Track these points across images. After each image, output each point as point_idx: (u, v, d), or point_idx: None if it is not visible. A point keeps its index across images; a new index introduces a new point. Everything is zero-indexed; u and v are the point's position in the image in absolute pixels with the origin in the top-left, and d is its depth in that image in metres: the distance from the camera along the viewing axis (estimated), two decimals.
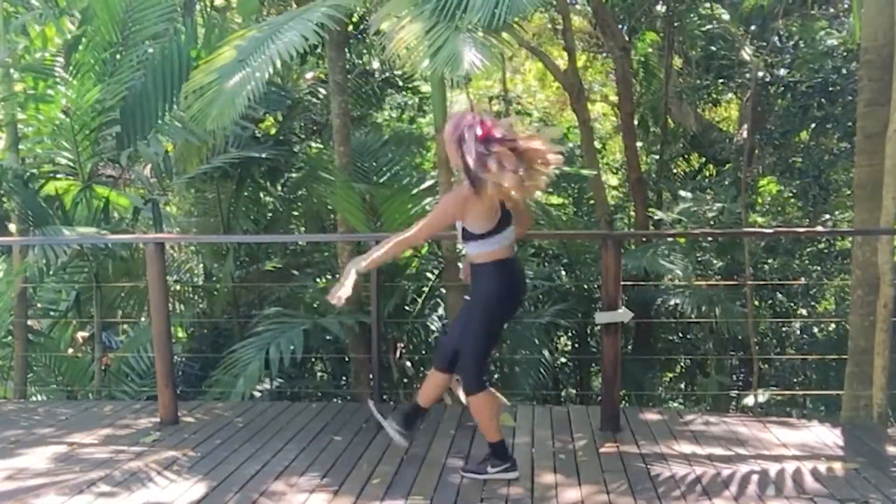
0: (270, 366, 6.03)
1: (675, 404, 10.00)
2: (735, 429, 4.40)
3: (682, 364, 10.83)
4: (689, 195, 9.51)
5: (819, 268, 9.80)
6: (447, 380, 3.78)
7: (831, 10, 9.81)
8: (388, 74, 9.24)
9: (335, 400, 7.87)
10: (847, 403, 5.26)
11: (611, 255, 4.36)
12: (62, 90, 6.30)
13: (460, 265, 5.55)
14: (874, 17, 5.08)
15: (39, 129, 6.61)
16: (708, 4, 10.53)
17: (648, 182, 11.08)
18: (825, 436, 4.27)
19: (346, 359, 7.59)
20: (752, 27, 9.45)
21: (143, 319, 7.60)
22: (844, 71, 8.57)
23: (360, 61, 9.43)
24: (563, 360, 10.24)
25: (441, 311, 7.84)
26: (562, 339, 10.38)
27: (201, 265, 8.95)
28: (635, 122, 11.26)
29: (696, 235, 9.27)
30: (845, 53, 8.83)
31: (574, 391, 10.30)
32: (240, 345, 6.36)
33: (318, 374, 8.85)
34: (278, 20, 5.63)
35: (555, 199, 11.55)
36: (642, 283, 8.71)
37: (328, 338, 7.19)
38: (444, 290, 7.52)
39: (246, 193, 7.95)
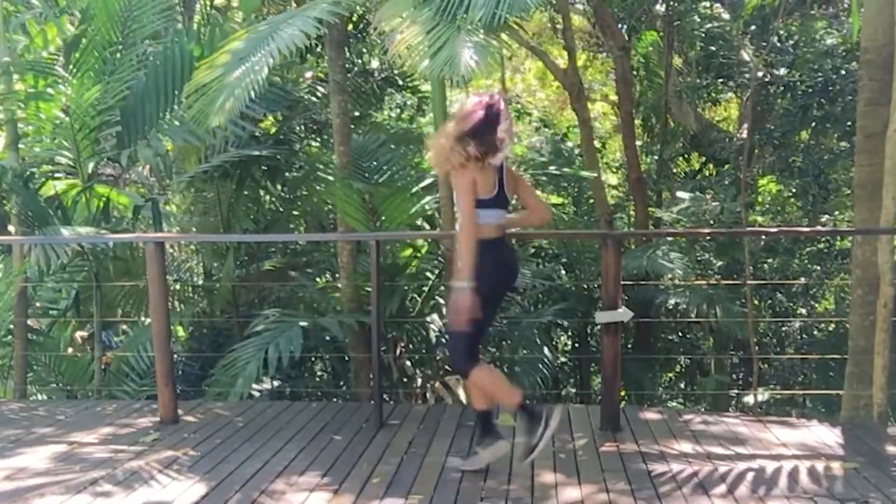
0: (269, 365, 6.03)
1: (675, 404, 10.01)
2: (735, 428, 4.40)
3: (681, 363, 10.84)
4: (687, 195, 9.52)
5: (819, 267, 9.80)
6: (484, 370, 3.71)
7: (831, 9, 9.80)
8: (387, 73, 9.24)
9: (335, 399, 7.87)
10: (847, 403, 5.26)
11: (611, 255, 4.36)
12: (62, 89, 6.30)
13: (460, 264, 5.55)
14: (874, 16, 5.08)
15: (39, 128, 6.61)
16: (707, 4, 10.53)
17: (648, 181, 11.08)
18: (825, 435, 4.27)
19: (346, 358, 7.59)
20: (752, 27, 9.44)
21: (142, 319, 7.60)
22: (844, 71, 8.58)
23: (360, 61, 9.42)
24: (563, 359, 10.25)
25: (442, 310, 7.84)
26: (562, 338, 10.39)
27: (201, 264, 8.95)
28: (635, 122, 11.26)
29: (696, 235, 9.28)
30: (845, 53, 8.83)
31: (574, 390, 10.31)
32: (239, 344, 6.36)
33: (319, 373, 8.85)
34: (279, 18, 5.64)
35: (555, 199, 11.56)
36: (642, 282, 8.71)
37: (328, 337, 7.19)
38: (444, 290, 7.53)
39: (246, 193, 7.95)
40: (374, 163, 7.48)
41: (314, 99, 8.57)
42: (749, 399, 8.88)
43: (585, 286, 9.42)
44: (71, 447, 4.24)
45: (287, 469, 3.84)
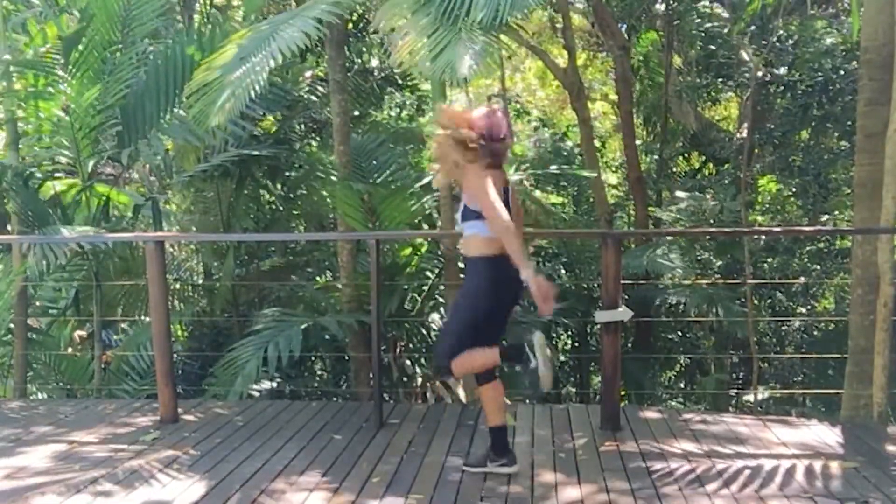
0: (269, 365, 6.03)
1: (675, 403, 10.01)
2: (735, 427, 4.40)
3: (681, 363, 10.85)
4: (685, 195, 9.53)
5: (819, 267, 9.81)
6: (493, 385, 3.69)
7: (831, 9, 9.80)
8: (387, 72, 9.25)
9: (335, 399, 7.88)
10: (847, 402, 5.26)
11: (611, 254, 4.36)
12: (62, 88, 6.30)
13: (461, 265, 5.52)
14: (874, 16, 5.08)
15: (39, 126, 6.61)
16: (707, 3, 10.53)
17: (648, 181, 11.09)
18: (825, 435, 4.26)
19: (346, 358, 7.59)
20: (752, 27, 9.44)
21: (142, 318, 7.61)
22: (844, 71, 8.58)
23: (360, 60, 9.43)
24: (563, 358, 10.25)
25: (441, 310, 7.85)
26: (562, 337, 10.40)
27: (201, 264, 8.95)
28: (635, 121, 11.27)
29: (695, 234, 9.28)
30: (845, 53, 8.83)
31: (574, 390, 10.32)
32: (239, 343, 6.36)
33: (319, 372, 8.86)
34: (279, 18, 5.64)
35: (555, 198, 11.57)
36: (642, 282, 8.71)
37: (328, 337, 7.20)
38: (443, 290, 7.53)
39: (246, 192, 7.96)
40: (374, 162, 7.49)
41: (314, 98, 8.57)
42: (749, 398, 8.89)
43: (585, 285, 9.42)
44: (71, 446, 4.24)
45: (287, 468, 3.84)
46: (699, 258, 9.68)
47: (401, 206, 6.94)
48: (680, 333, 10.64)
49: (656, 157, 11.76)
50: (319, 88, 8.49)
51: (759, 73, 9.22)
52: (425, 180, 7.68)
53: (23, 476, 3.79)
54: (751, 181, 10.14)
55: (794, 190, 10.11)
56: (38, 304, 7.61)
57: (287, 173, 8.21)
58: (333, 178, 7.18)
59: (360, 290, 6.88)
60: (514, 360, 3.55)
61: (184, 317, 7.92)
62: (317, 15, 5.14)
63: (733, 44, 9.63)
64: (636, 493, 3.47)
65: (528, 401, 7.15)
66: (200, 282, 8.71)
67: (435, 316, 7.74)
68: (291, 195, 8.52)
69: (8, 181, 6.36)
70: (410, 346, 7.91)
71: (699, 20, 10.26)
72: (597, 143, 12.01)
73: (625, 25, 10.85)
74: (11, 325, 6.78)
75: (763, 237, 9.63)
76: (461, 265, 7.16)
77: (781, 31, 9.41)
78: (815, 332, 10.14)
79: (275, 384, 7.30)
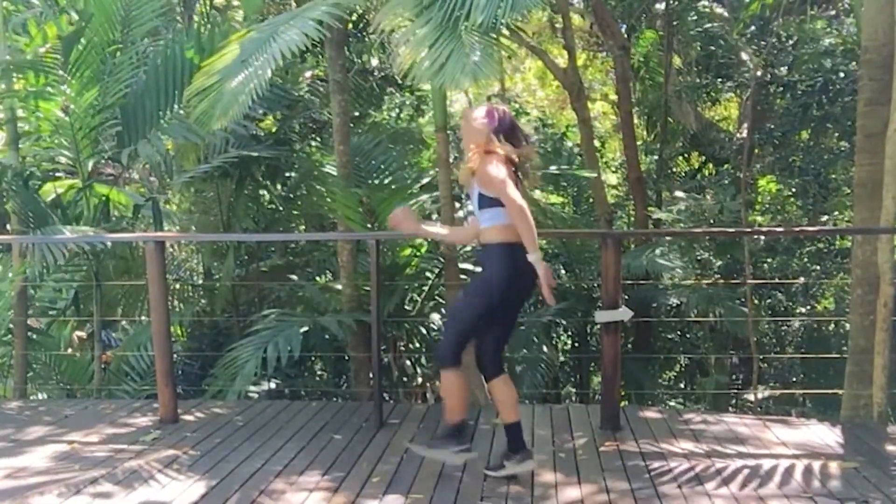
0: (269, 365, 6.03)
1: (675, 403, 10.01)
2: (735, 427, 4.40)
3: (681, 363, 10.84)
4: (684, 195, 9.52)
5: (819, 267, 9.81)
6: (505, 380, 3.70)
7: (831, 10, 9.80)
8: (387, 72, 9.25)
9: (335, 399, 7.87)
10: (847, 402, 5.26)
11: (611, 254, 4.36)
12: (62, 88, 6.30)
13: (461, 265, 5.52)
14: (874, 16, 5.08)
15: (39, 126, 6.61)
16: (706, 3, 10.53)
17: (648, 181, 11.09)
18: (825, 435, 4.27)
19: (346, 358, 7.59)
20: (752, 27, 9.45)
21: (142, 318, 7.61)
22: (844, 70, 8.58)
23: (360, 60, 9.43)
24: (563, 358, 10.26)
25: (442, 310, 7.85)
26: (562, 337, 10.40)
27: (201, 264, 8.95)
28: (635, 122, 11.27)
29: (695, 235, 9.28)
30: (845, 53, 8.83)
31: (574, 390, 10.32)
32: (239, 343, 6.37)
33: (318, 373, 8.86)
34: (279, 19, 5.64)
35: (554, 198, 11.56)
36: (642, 282, 8.72)
37: (328, 337, 7.20)
38: (444, 290, 7.53)
39: (246, 192, 7.96)
40: (373, 162, 7.49)
41: (314, 98, 8.57)
42: (749, 398, 8.89)
43: (585, 286, 9.42)
44: (71, 446, 4.24)
45: (287, 468, 3.84)
46: (699, 258, 9.68)
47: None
48: (680, 333, 10.64)
49: (656, 157, 11.76)
50: (319, 88, 8.49)
51: (759, 73, 9.23)
52: (425, 181, 7.68)
53: (23, 476, 3.79)
54: (751, 181, 10.14)
55: (794, 190, 10.11)
56: (37, 304, 7.61)
57: (287, 174, 8.21)
58: (333, 178, 7.17)
59: (360, 290, 6.88)
60: (455, 432, 3.62)
61: (184, 317, 7.92)
62: (317, 16, 5.14)
63: (733, 44, 9.63)
64: (636, 493, 3.47)
65: (528, 401, 7.16)
66: (200, 282, 8.71)
67: (435, 316, 7.74)
68: (291, 195, 8.52)
69: (8, 181, 6.36)
70: (410, 346, 7.91)
71: (699, 20, 10.26)
72: (597, 143, 12.01)
73: (625, 25, 10.85)
74: (11, 326, 6.78)
75: (763, 237, 9.63)
76: (461, 265, 7.17)
77: (781, 32, 9.42)
78: (815, 333, 10.14)
79: (274, 385, 7.29)
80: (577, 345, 10.33)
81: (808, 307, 10.19)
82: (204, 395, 6.29)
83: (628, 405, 7.21)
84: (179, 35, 6.59)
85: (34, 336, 7.15)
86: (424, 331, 7.74)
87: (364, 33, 8.80)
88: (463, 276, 7.00)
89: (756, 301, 9.59)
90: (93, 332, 7.02)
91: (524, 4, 4.67)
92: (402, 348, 7.86)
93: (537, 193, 10.36)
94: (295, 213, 8.74)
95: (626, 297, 8.45)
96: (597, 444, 4.15)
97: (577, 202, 11.65)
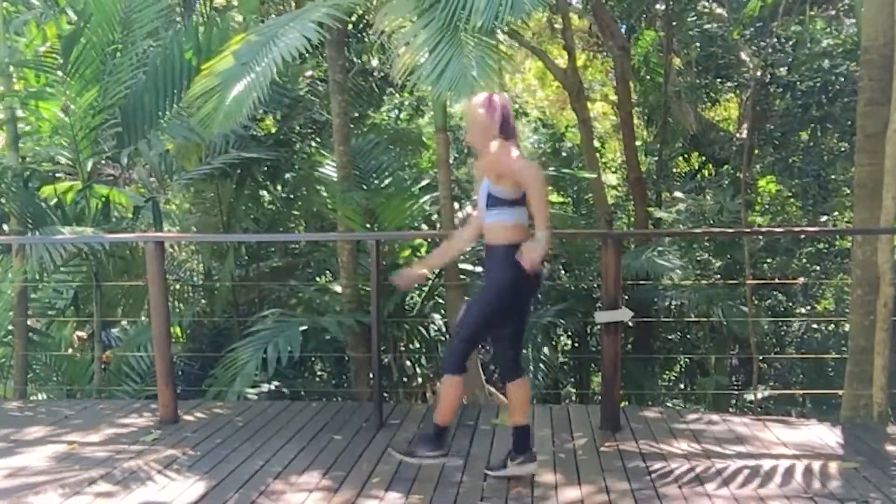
0: (269, 365, 6.03)
1: (675, 403, 10.01)
2: (735, 428, 4.40)
3: (681, 363, 10.84)
4: (682, 196, 9.53)
5: (818, 267, 9.81)
6: (525, 382, 3.68)
7: (831, 10, 9.80)
8: (387, 72, 9.24)
9: (335, 399, 7.87)
10: (847, 403, 5.26)
11: (611, 255, 4.36)
12: (61, 88, 6.30)
13: (461, 265, 5.50)
14: (874, 16, 5.08)
15: (39, 127, 6.61)
16: (706, 3, 10.53)
17: (648, 181, 11.09)
18: (825, 435, 4.27)
19: (346, 358, 7.60)
20: (752, 27, 9.44)
21: (142, 318, 7.61)
22: (844, 71, 8.58)
23: (360, 60, 9.43)
24: (563, 359, 10.26)
25: (441, 310, 7.85)
26: (562, 338, 10.40)
27: (201, 264, 8.95)
28: (635, 122, 11.27)
29: (695, 235, 9.29)
30: (845, 53, 8.83)
31: (574, 390, 10.32)
32: (239, 344, 6.37)
33: (318, 373, 8.86)
34: (279, 21, 5.64)
35: (554, 199, 11.56)
36: (642, 282, 8.72)
37: (327, 337, 7.20)
38: (444, 290, 7.53)
39: (246, 192, 7.96)
40: (373, 162, 7.49)
41: (314, 98, 8.57)
42: (749, 398, 8.89)
43: (585, 286, 9.42)
44: (71, 446, 4.24)
45: (287, 469, 3.84)
46: (699, 259, 9.69)
47: (400, 208, 6.94)
48: (680, 334, 10.64)
49: (656, 157, 11.76)
50: (319, 88, 8.49)
51: (759, 74, 9.23)
52: (424, 182, 7.68)
53: (23, 476, 3.79)
54: (750, 182, 10.15)
55: (793, 190, 10.11)
56: (38, 304, 7.61)
57: (287, 174, 8.21)
58: (332, 179, 7.17)
59: (359, 290, 6.88)
60: (437, 435, 3.68)
61: (184, 317, 7.92)
62: (317, 18, 5.14)
63: (732, 44, 9.63)
64: (636, 493, 3.47)
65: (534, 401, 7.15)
66: (200, 282, 8.71)
67: (435, 316, 7.75)
68: (292, 196, 8.52)
69: (7, 181, 6.36)
70: (410, 346, 7.91)
71: (699, 20, 10.26)
72: (596, 144, 12.01)
73: (624, 26, 10.85)
74: (11, 326, 6.77)
75: (763, 237, 9.64)
76: (461, 265, 7.18)
77: (781, 32, 9.42)
78: (815, 333, 10.15)
79: (274, 385, 7.29)
80: (577, 345, 10.34)
81: (808, 307, 10.19)
82: (204, 396, 6.29)
83: (628, 405, 7.22)
84: (179, 35, 6.59)
85: (34, 336, 7.15)
86: (424, 331, 7.75)
87: (364, 34, 8.80)
88: (463, 276, 7.00)
89: (756, 301, 9.59)
90: (93, 332, 7.02)
91: (524, 6, 4.67)
92: (402, 348, 7.86)
93: None
94: (295, 213, 8.75)
95: (626, 297, 8.46)
96: (597, 444, 4.15)
97: (577, 202, 11.65)
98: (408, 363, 8.04)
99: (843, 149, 9.21)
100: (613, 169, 13.90)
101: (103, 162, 7.54)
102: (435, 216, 7.76)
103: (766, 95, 9.77)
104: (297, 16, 5.48)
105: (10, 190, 6.37)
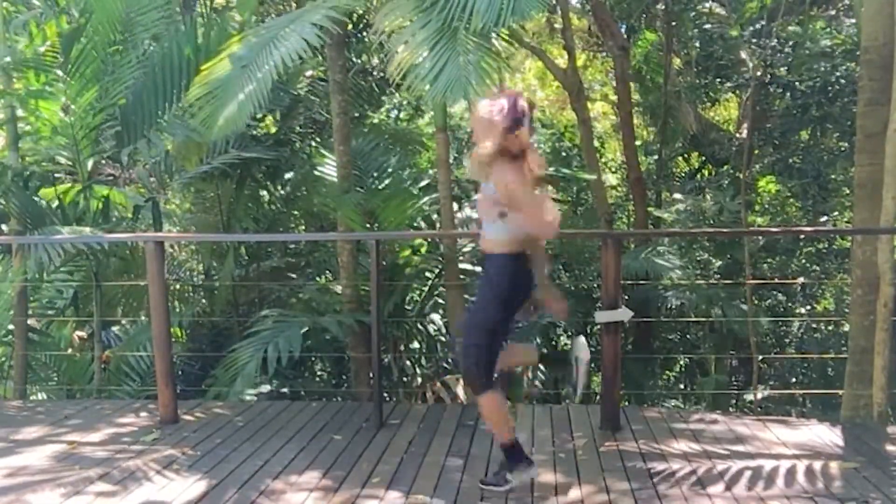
0: (269, 365, 6.03)
1: (675, 403, 10.01)
2: (735, 428, 4.40)
3: (681, 363, 10.85)
4: (681, 196, 9.53)
5: (818, 267, 9.81)
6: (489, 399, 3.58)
7: (831, 10, 9.80)
8: (386, 73, 9.24)
9: (335, 399, 7.87)
10: (847, 403, 5.26)
11: (611, 255, 4.36)
12: (62, 87, 6.30)
13: (461, 265, 5.50)
14: (874, 16, 5.08)
15: (39, 126, 6.61)
16: (707, 4, 10.53)
17: (648, 181, 11.09)
18: (825, 435, 4.26)
19: (346, 358, 7.60)
20: (752, 27, 9.45)
21: (142, 318, 7.60)
22: (844, 71, 8.58)
23: (360, 60, 9.43)
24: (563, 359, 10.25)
25: (441, 310, 7.85)
26: (562, 338, 10.40)
27: (201, 264, 8.95)
28: (635, 122, 11.27)
29: (695, 235, 9.29)
30: (845, 53, 8.84)
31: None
32: (239, 344, 6.37)
33: (319, 373, 8.85)
34: (279, 22, 5.64)
35: (555, 199, 11.56)
36: (642, 282, 8.73)
37: (328, 337, 7.20)
38: (444, 290, 7.53)
39: (246, 192, 7.96)
40: (373, 163, 7.49)
41: (314, 98, 8.57)
42: (749, 398, 8.89)
43: (585, 286, 9.42)
44: (70, 446, 4.24)
45: (287, 468, 3.84)
46: (699, 259, 9.69)
47: (400, 208, 6.94)
48: (680, 334, 10.64)
49: (656, 157, 11.77)
50: (319, 88, 8.49)
51: (759, 74, 9.23)
52: (424, 182, 7.67)
53: (22, 476, 3.79)
54: (750, 182, 10.15)
55: (793, 191, 10.11)
56: (38, 304, 7.61)
57: (287, 174, 8.20)
58: (332, 180, 7.17)
59: (360, 290, 6.88)
60: (510, 455, 3.51)
61: (184, 317, 7.92)
62: (316, 20, 5.14)
63: (732, 44, 9.64)
64: (636, 493, 3.47)
65: (528, 401, 7.15)
66: (200, 282, 8.71)
67: (435, 316, 7.74)
68: (291, 196, 8.52)
69: (7, 182, 6.36)
70: (410, 346, 7.91)
71: (698, 20, 10.27)
72: (596, 144, 12.02)
73: (624, 26, 10.85)
74: (11, 326, 6.77)
75: (762, 237, 9.64)
76: (461, 265, 7.17)
77: (781, 32, 9.42)
78: (815, 333, 10.15)
79: (275, 384, 7.30)
80: None
81: (808, 307, 10.19)
82: (204, 396, 6.29)
83: (628, 405, 7.21)
84: (179, 35, 6.58)
85: (34, 336, 7.15)
86: (425, 331, 7.74)
87: (364, 34, 8.79)
88: (462, 276, 7.00)
89: (756, 301, 9.60)
90: (93, 331, 7.02)
91: (524, 8, 4.67)
92: (402, 348, 7.86)
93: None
94: (295, 213, 8.74)
95: (626, 297, 8.46)
96: (597, 444, 4.14)
97: (577, 203, 11.65)
98: (408, 363, 8.04)
99: (842, 149, 9.21)
100: (613, 169, 13.90)
101: (103, 161, 7.53)
102: (435, 216, 7.76)
103: (766, 95, 9.77)
104: (296, 17, 5.47)
105: (10, 190, 6.37)
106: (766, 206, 11.41)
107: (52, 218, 6.37)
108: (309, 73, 8.64)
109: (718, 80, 10.24)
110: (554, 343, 9.84)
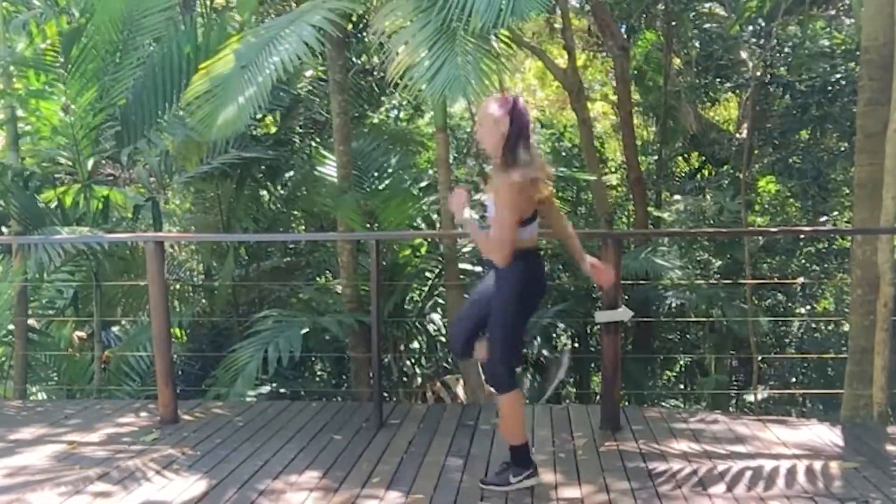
0: (269, 365, 6.03)
1: (675, 403, 10.01)
2: (734, 427, 4.40)
3: (681, 363, 10.85)
4: (680, 197, 9.54)
5: (818, 267, 9.81)
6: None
7: (831, 10, 9.81)
8: (385, 72, 9.24)
9: (335, 399, 7.87)
10: (847, 403, 5.26)
11: (611, 255, 4.36)
12: (62, 87, 6.30)
13: (461, 265, 5.48)
14: (874, 16, 5.08)
15: (39, 126, 6.61)
16: (707, 4, 10.54)
17: (648, 181, 11.09)
18: (825, 435, 4.26)
19: (346, 358, 7.60)
20: (752, 27, 9.45)
21: (142, 318, 7.60)
22: (844, 71, 8.58)
23: (360, 60, 9.43)
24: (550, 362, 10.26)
25: (441, 310, 7.85)
26: (561, 338, 10.40)
27: (201, 264, 8.95)
28: (635, 122, 11.28)
29: (695, 235, 9.29)
30: (845, 53, 8.84)
31: (574, 390, 10.32)
32: (239, 344, 6.36)
33: (319, 373, 8.85)
34: (278, 23, 5.63)
35: (554, 199, 11.56)
36: (642, 282, 8.73)
37: (328, 337, 7.20)
38: (443, 290, 7.53)
39: (246, 192, 7.96)
40: (373, 163, 7.49)
41: (314, 98, 8.56)
42: (749, 398, 8.89)
43: (585, 286, 9.42)
44: (70, 446, 4.24)
45: (286, 468, 3.84)
46: (699, 259, 9.69)
47: (400, 208, 6.94)
48: (680, 334, 10.64)
49: (656, 157, 11.77)
50: (319, 88, 8.48)
51: (759, 74, 9.23)
52: (424, 182, 7.67)
53: (22, 476, 3.79)
54: (750, 182, 10.15)
55: (793, 190, 10.12)
56: (37, 304, 7.61)
57: (287, 174, 8.20)
58: (331, 180, 7.17)
59: (360, 290, 6.88)
60: (519, 458, 3.51)
61: (184, 317, 7.92)
62: (315, 21, 5.14)
63: (732, 44, 9.64)
64: (636, 493, 3.47)
65: (528, 401, 7.15)
66: (200, 282, 8.71)
67: (435, 316, 7.74)
68: (292, 196, 8.51)
69: (7, 182, 6.36)
70: (410, 346, 7.91)
71: (698, 20, 10.27)
72: (596, 144, 12.02)
73: (624, 26, 10.85)
74: (11, 326, 6.77)
75: (762, 237, 9.64)
76: (461, 265, 7.17)
77: (781, 32, 9.42)
78: (815, 333, 10.15)
79: (275, 384, 7.29)
80: (577, 345, 10.34)
81: (808, 307, 10.19)
82: (204, 396, 6.29)
83: (628, 405, 7.21)
84: (179, 35, 6.59)
85: (34, 336, 7.15)
86: (425, 331, 7.74)
87: (364, 34, 8.79)
88: (462, 276, 7.00)
89: (756, 301, 9.60)
90: (93, 331, 7.02)
91: (524, 9, 4.66)
92: (402, 348, 7.86)
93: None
94: (295, 213, 8.74)
95: (626, 297, 8.46)
96: (597, 444, 4.15)
97: (576, 202, 11.66)
98: (408, 363, 8.04)
99: (842, 149, 9.22)
100: (613, 169, 13.90)
101: (103, 161, 7.53)
102: (435, 216, 7.75)
103: (766, 95, 9.77)
104: (295, 17, 5.47)
105: (10, 190, 6.37)
106: (766, 206, 11.41)
107: (52, 218, 6.37)
108: (309, 73, 8.63)
109: (718, 80, 10.24)
110: (554, 343, 9.84)
